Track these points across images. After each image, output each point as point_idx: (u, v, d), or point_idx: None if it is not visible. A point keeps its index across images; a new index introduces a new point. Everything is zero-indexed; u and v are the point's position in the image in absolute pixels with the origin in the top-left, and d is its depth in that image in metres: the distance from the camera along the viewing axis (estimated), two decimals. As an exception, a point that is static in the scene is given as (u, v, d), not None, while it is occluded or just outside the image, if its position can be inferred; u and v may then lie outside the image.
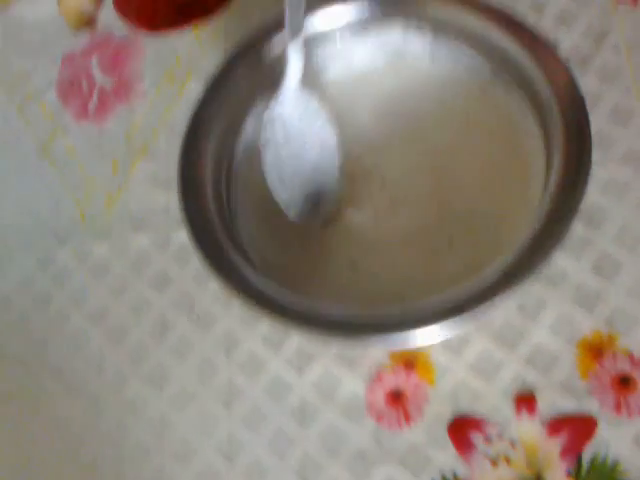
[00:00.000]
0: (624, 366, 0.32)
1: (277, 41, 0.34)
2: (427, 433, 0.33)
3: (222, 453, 0.35)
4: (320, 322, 0.29)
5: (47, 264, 0.41)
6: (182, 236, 0.39)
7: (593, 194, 0.35)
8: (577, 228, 0.34)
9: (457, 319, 0.27)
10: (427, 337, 0.29)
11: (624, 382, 0.32)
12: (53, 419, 0.38)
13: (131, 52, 0.45)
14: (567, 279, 0.34)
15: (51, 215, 0.42)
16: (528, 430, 0.32)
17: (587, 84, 0.36)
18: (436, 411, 0.34)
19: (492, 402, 0.33)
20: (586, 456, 0.31)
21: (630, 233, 0.34)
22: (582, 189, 0.28)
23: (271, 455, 0.35)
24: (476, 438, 0.33)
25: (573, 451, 0.31)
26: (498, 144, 0.33)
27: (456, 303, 0.27)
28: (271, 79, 0.35)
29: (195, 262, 0.39)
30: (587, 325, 0.33)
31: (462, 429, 0.33)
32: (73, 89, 0.45)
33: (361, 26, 0.35)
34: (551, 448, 0.32)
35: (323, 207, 0.35)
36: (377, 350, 0.35)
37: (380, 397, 0.34)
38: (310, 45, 0.35)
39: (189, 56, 0.44)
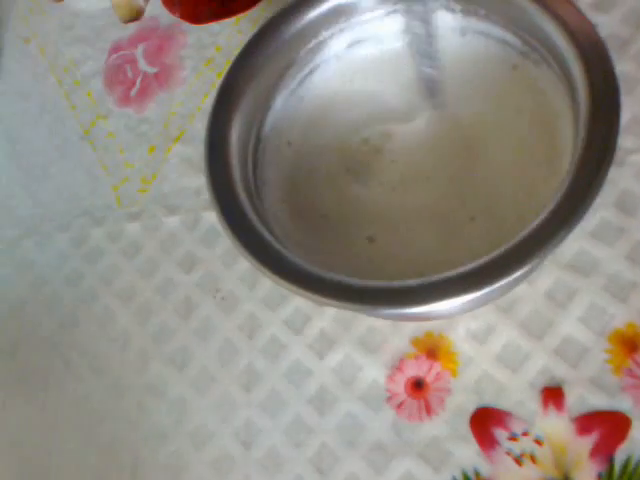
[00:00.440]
0: (661, 363, 0.30)
1: (306, 16, 0.34)
2: (449, 426, 0.32)
3: (239, 439, 0.35)
4: (357, 295, 0.28)
5: (80, 243, 0.42)
6: (211, 217, 0.39)
7: (627, 180, 0.33)
8: (610, 215, 0.33)
9: (482, 290, 0.26)
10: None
11: (661, 380, 0.30)
12: (75, 397, 0.38)
13: (174, 41, 0.46)
14: (599, 268, 0.32)
15: (88, 196, 0.43)
16: (555, 427, 0.30)
17: (624, 69, 0.34)
18: (458, 403, 0.32)
19: (517, 395, 0.31)
20: (618, 458, 0.29)
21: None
22: (605, 170, 0.26)
23: (288, 444, 0.34)
24: (500, 434, 0.31)
25: (604, 452, 0.29)
26: (526, 122, 0.32)
27: (479, 274, 0.26)
28: (298, 54, 0.35)
29: (222, 244, 0.39)
30: (620, 317, 0.31)
31: (485, 423, 0.31)
32: (118, 76, 0.46)
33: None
34: (580, 448, 0.30)
35: None
36: (399, 337, 0.34)
37: (401, 386, 0.33)
38: (338, 18, 0.35)
39: (229, 45, 0.44)
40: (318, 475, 0.33)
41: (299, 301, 0.36)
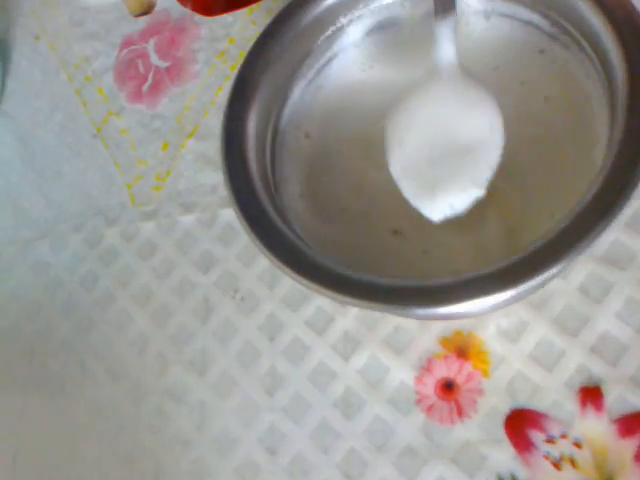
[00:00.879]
0: None
1: (323, 3, 0.33)
2: (482, 429, 0.30)
3: (263, 445, 0.33)
4: (386, 294, 0.26)
5: (95, 244, 0.41)
6: (228, 214, 0.38)
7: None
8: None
9: (519, 287, 0.24)
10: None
11: None
12: (94, 403, 0.37)
13: (186, 35, 0.45)
14: (636, 261, 0.31)
15: (101, 195, 0.42)
16: (595, 429, 0.29)
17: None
18: (491, 405, 0.30)
19: (554, 396, 0.30)
20: (665, 462, 0.28)
21: None
22: None
23: (314, 449, 0.32)
24: (536, 436, 0.29)
25: (649, 455, 0.28)
26: (555, 109, 0.30)
27: (516, 271, 0.24)
28: (315, 42, 0.33)
29: (240, 242, 0.37)
30: (660, 313, 0.30)
31: (520, 426, 0.30)
32: (129, 72, 0.45)
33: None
34: (623, 451, 0.28)
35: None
36: (426, 337, 0.32)
37: (430, 388, 0.31)
38: (357, 4, 0.33)
39: (242, 37, 0.43)
40: (347, 482, 0.31)
41: (321, 300, 0.35)
